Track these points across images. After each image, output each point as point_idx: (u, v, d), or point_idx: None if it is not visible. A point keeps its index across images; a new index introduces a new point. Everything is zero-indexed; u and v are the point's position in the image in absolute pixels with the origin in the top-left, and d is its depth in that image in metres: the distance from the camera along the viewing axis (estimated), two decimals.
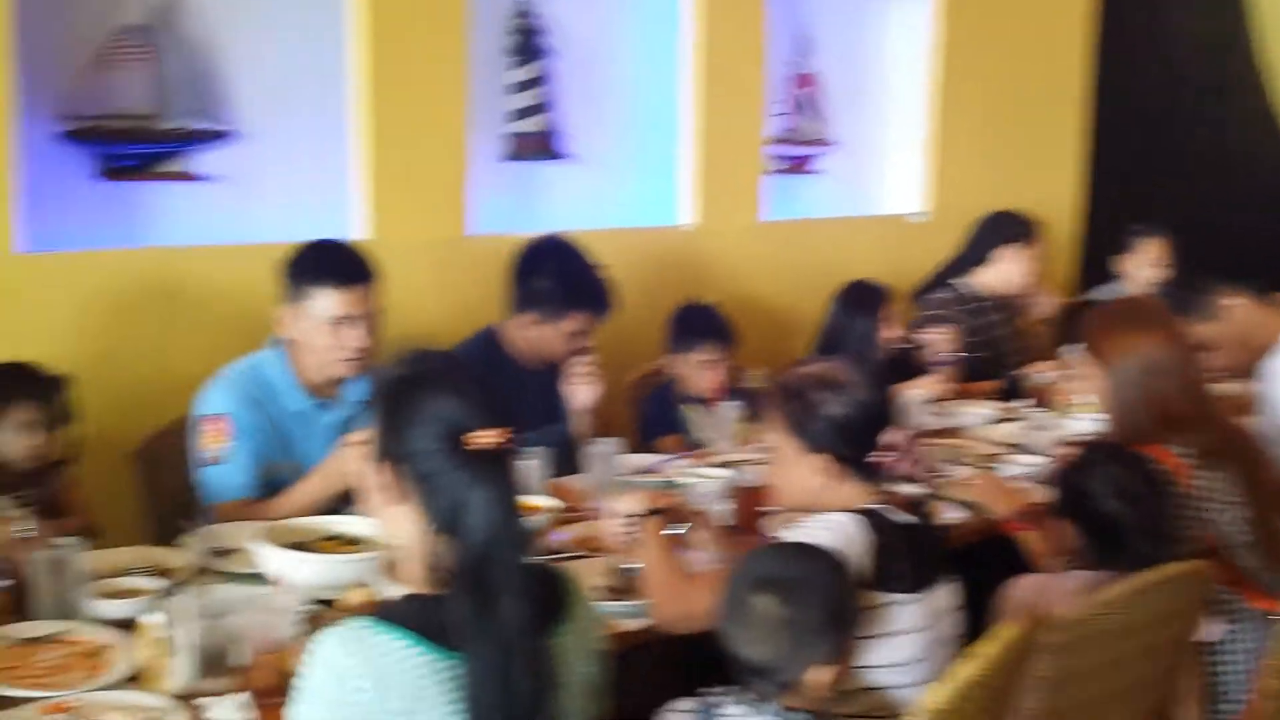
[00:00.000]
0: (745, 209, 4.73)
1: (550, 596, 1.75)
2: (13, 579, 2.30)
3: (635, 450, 3.49)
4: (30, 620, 2.24)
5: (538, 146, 4.40)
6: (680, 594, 2.27)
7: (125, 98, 3.56)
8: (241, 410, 2.94)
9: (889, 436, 2.26)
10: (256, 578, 2.44)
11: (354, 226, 3.82)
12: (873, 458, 2.26)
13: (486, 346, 3.54)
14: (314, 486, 2.81)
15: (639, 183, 4.60)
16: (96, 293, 3.36)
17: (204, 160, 3.67)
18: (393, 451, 1.73)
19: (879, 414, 2.29)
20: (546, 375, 3.52)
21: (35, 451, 2.74)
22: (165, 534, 3.12)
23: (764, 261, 4.75)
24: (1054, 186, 5.76)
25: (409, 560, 1.75)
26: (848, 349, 4.01)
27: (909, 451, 2.21)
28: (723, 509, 2.82)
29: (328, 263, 2.97)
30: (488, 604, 1.63)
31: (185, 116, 3.65)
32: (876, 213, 5.32)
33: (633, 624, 2.31)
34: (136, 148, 3.62)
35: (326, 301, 2.90)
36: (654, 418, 3.93)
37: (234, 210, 3.70)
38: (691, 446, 3.79)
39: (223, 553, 2.59)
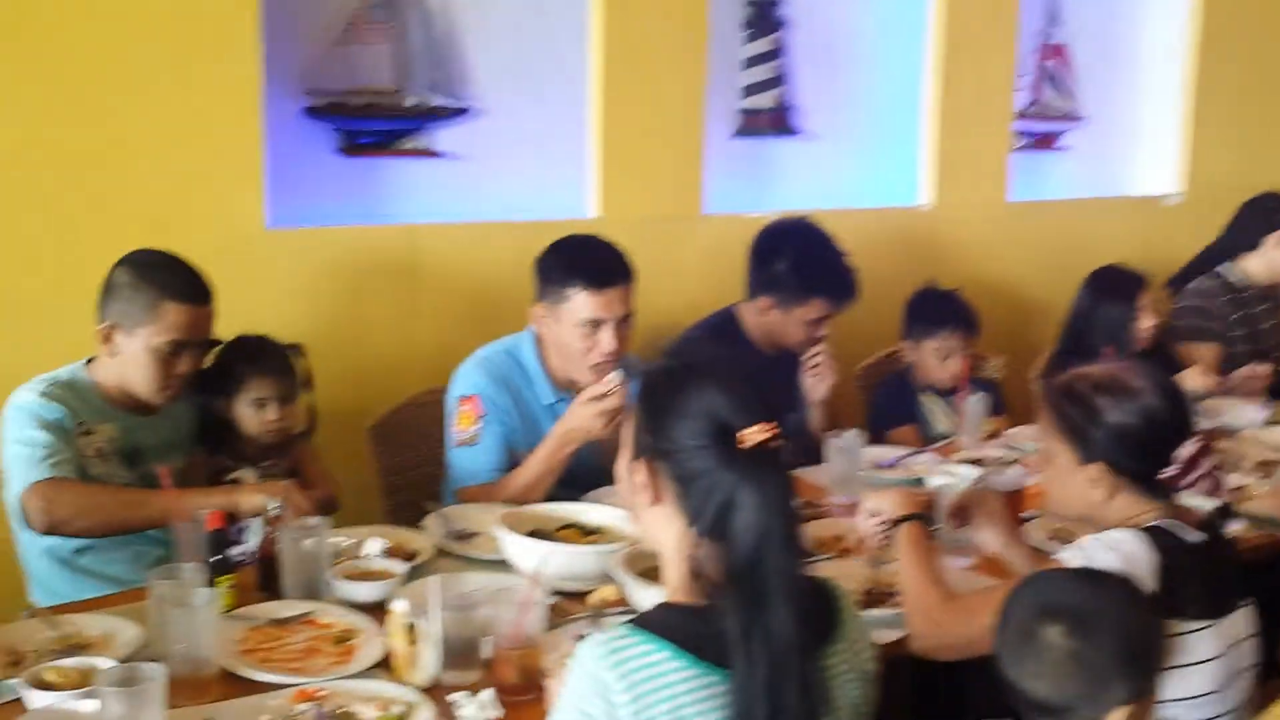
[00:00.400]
0: (990, 188, 4.48)
1: (821, 610, 1.63)
2: (263, 556, 2.31)
3: (867, 441, 3.33)
4: (278, 598, 2.25)
5: (772, 122, 4.26)
6: (943, 618, 2.09)
7: (367, 74, 3.58)
8: (493, 393, 2.90)
9: (1183, 450, 2.04)
10: (499, 564, 2.40)
11: (588, 204, 3.75)
12: (1163, 474, 2.05)
13: (723, 328, 3.43)
14: (547, 451, 2.75)
15: (876, 160, 4.41)
16: (338, 268, 3.39)
17: (443, 137, 3.66)
18: (654, 448, 1.63)
19: (1171, 426, 2.07)
20: (783, 362, 3.39)
21: (274, 424, 2.75)
22: (398, 512, 3.15)
23: (1008, 244, 4.50)
24: None
25: (668, 566, 1.65)
26: (1098, 339, 3.75)
27: (1201, 462, 1.98)
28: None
29: (584, 263, 2.84)
30: (756, 616, 1.52)
31: (426, 93, 3.65)
32: (1126, 193, 4.98)
33: (888, 635, 2.15)
34: (377, 124, 3.63)
35: (580, 304, 2.80)
36: (887, 408, 3.76)
37: (472, 187, 3.68)
38: (928, 440, 3.61)
39: (464, 536, 2.56)
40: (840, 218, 3.75)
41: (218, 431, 2.78)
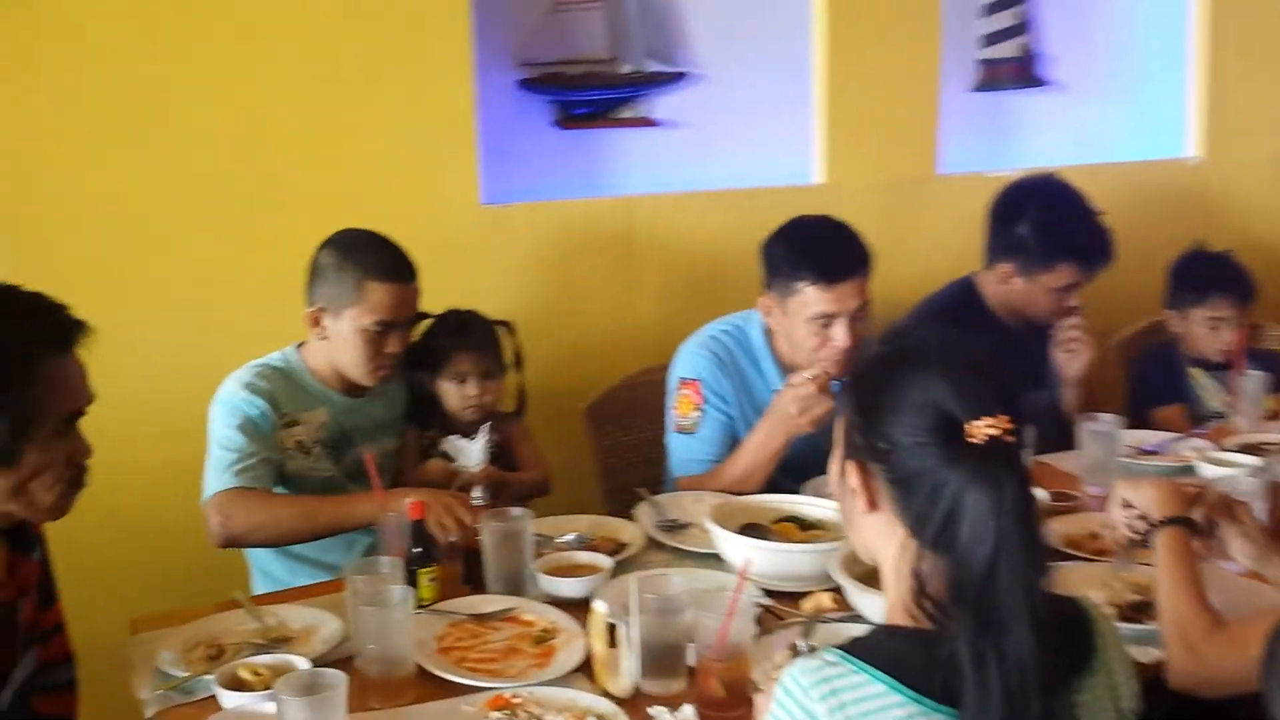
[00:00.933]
0: (1269, 138, 4.02)
1: (1072, 635, 1.40)
2: (466, 547, 2.22)
3: (1127, 423, 3.01)
4: (482, 592, 2.16)
5: (1015, 73, 3.92)
6: (1208, 649, 1.75)
7: (582, 43, 3.45)
8: (716, 378, 2.74)
9: None
10: (713, 558, 2.24)
11: (813, 169, 3.54)
12: None
13: (964, 298, 3.16)
14: (756, 441, 2.59)
15: (1136, 111, 4.02)
16: (553, 243, 3.28)
17: (661, 104, 3.51)
18: (867, 447, 1.42)
19: None
20: (1029, 336, 3.10)
21: (474, 399, 2.67)
22: (615, 497, 3.03)
23: None
24: None
25: (888, 582, 1.44)
26: None
27: None
28: (1258, 509, 2.31)
29: (814, 254, 2.61)
30: (990, 642, 1.30)
31: (642, 60, 3.50)
32: None
33: (1147, 655, 1.87)
34: (593, 94, 3.51)
35: (811, 298, 2.59)
36: (1151, 385, 3.41)
37: (691, 155, 3.52)
38: (1198, 420, 3.24)
39: (676, 527, 2.41)
40: (1094, 174, 3.43)
41: (425, 408, 2.72)
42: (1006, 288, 3.11)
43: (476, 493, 2.22)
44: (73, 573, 2.76)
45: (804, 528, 2.27)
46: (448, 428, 2.68)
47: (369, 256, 2.51)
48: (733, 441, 2.71)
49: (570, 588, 2.11)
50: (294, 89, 2.95)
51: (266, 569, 2.59)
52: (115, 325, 2.82)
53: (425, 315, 2.71)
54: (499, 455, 2.69)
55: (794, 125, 3.56)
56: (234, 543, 2.38)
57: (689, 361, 2.78)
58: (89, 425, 1.85)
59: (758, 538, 2.17)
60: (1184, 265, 3.46)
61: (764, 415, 2.59)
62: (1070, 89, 3.94)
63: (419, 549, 2.11)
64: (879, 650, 1.35)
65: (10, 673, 1.79)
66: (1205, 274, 3.38)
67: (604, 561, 2.18)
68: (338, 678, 1.61)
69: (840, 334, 2.58)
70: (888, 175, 3.55)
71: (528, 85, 3.42)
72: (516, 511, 2.19)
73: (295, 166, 2.97)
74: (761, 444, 2.57)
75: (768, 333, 2.77)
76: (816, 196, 3.45)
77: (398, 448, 2.70)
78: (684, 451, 2.75)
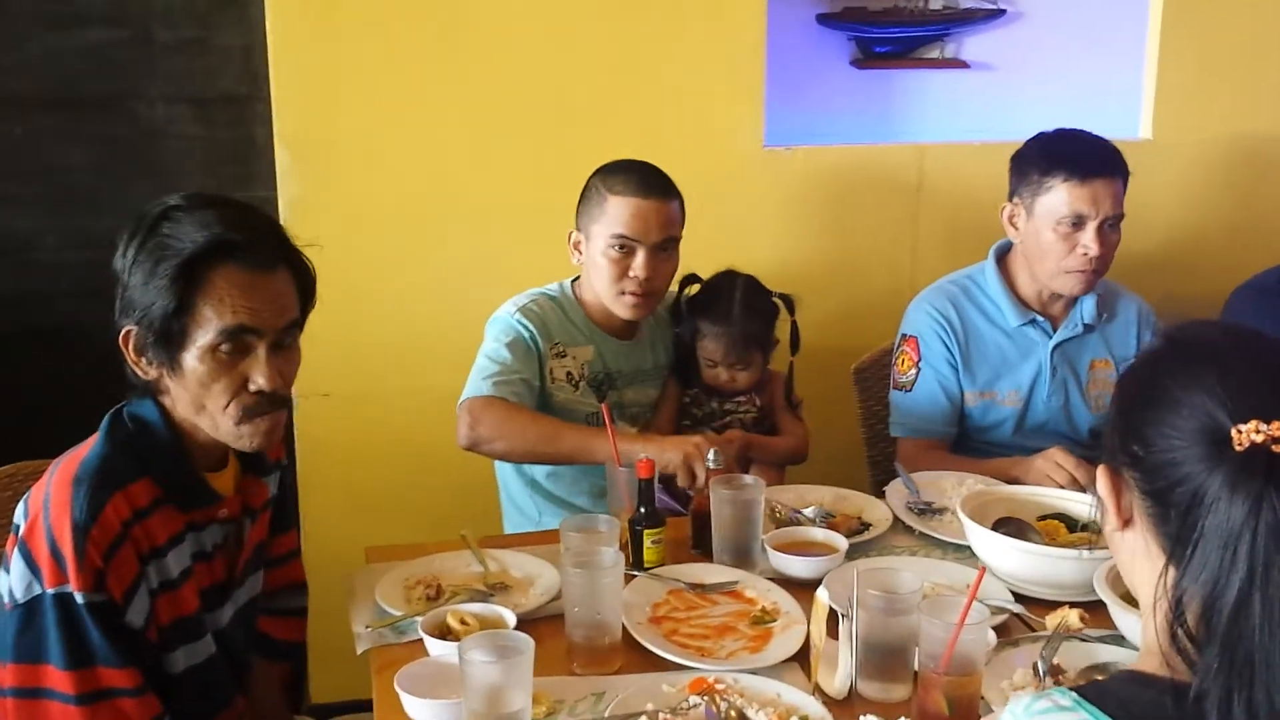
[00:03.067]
0: None
1: None
2: (696, 511, 2.11)
3: None
4: (709, 560, 2.04)
5: None
6: None
7: None
8: (935, 331, 2.59)
9: None
10: (964, 550, 2.04)
11: (1140, 122, 3.17)
12: None
13: None
14: (1001, 466, 2.39)
15: None
16: (836, 191, 3.09)
17: (973, 44, 3.23)
18: (1123, 450, 1.20)
19: None
20: None
21: (729, 384, 2.57)
22: (882, 465, 2.85)
23: None
24: None
25: (1143, 615, 1.22)
26: None
27: None
28: None
29: (1068, 150, 2.48)
30: (1240, 693, 1.07)
31: None
32: None
33: None
34: (898, 30, 3.28)
35: (1061, 197, 2.44)
36: None
37: (998, 102, 3.24)
38: None
39: (929, 510, 2.21)
40: None
41: (687, 365, 2.61)
42: None
43: (710, 454, 2.10)
44: (347, 498, 2.90)
45: (1071, 528, 2.02)
46: (709, 390, 2.58)
47: (619, 174, 2.45)
48: (951, 403, 2.56)
49: (799, 567, 1.96)
50: (589, 18, 2.87)
51: (519, 504, 2.58)
52: (407, 251, 2.92)
53: (696, 280, 2.63)
54: (760, 419, 2.57)
55: (1122, 71, 3.20)
56: (477, 447, 2.35)
57: (911, 316, 2.66)
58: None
59: (1015, 535, 1.94)
60: None
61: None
62: None
63: (646, 509, 2.01)
64: (1118, 698, 1.14)
65: (233, 592, 1.82)
66: None
67: (839, 542, 2.02)
68: (525, 644, 1.54)
69: (1090, 240, 2.42)
70: (1227, 131, 3.14)
71: (826, 20, 3.23)
72: (749, 479, 2.05)
73: (586, 99, 2.90)
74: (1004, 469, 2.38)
75: (1005, 267, 2.61)
76: (1143, 153, 3.09)
77: (658, 397, 2.62)
78: (901, 411, 2.64)
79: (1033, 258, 2.52)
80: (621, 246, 2.42)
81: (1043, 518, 2.06)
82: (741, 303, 2.55)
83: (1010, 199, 2.56)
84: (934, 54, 3.32)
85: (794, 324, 2.60)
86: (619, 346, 2.55)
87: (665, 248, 2.44)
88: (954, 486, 2.29)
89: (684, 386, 2.62)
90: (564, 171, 2.75)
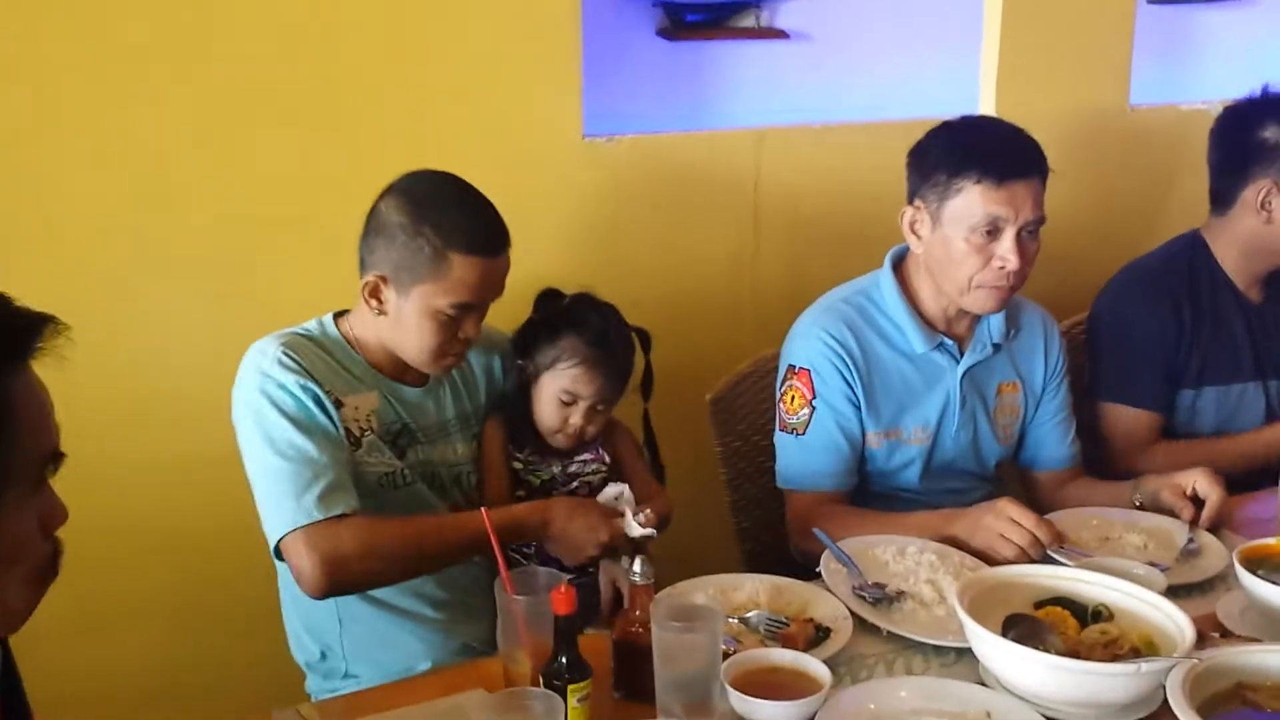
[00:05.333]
0: None
1: None
2: (619, 640, 1.61)
3: None
4: (644, 703, 1.54)
5: None
6: None
7: None
8: (831, 362, 2.16)
9: None
10: (954, 653, 1.64)
11: (981, 97, 2.86)
12: None
13: (1191, 254, 2.52)
14: (935, 522, 2.01)
15: None
16: (667, 186, 2.61)
17: (788, 11, 2.83)
18: None
19: None
20: (1272, 305, 2.50)
21: (578, 431, 2.07)
22: (742, 511, 2.43)
23: None
24: None
25: None
26: None
27: None
28: None
29: (983, 146, 2.10)
30: None
31: None
32: None
33: None
34: None
35: (974, 199, 2.06)
36: None
37: (827, 78, 2.86)
38: None
39: (884, 599, 1.79)
40: None
41: (518, 414, 2.09)
42: (1260, 225, 2.42)
43: (637, 567, 1.60)
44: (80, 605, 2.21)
45: (1080, 616, 1.65)
46: (543, 449, 2.07)
47: (453, 218, 1.89)
48: (852, 448, 2.16)
49: (781, 714, 1.50)
50: None
51: (316, 615, 1.99)
52: (120, 296, 2.23)
53: (558, 293, 2.12)
54: (609, 482, 2.07)
55: (956, 44, 2.88)
56: (341, 590, 1.80)
57: (800, 344, 2.21)
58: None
59: (1030, 638, 1.54)
60: None
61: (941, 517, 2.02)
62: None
63: (567, 656, 1.49)
64: None
65: None
66: None
67: (818, 670, 1.56)
68: None
69: (1008, 251, 2.05)
70: (1071, 106, 2.88)
71: None
72: (701, 601, 1.57)
73: (358, 81, 2.29)
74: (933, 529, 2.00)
75: (904, 281, 2.22)
76: None
77: (476, 455, 2.09)
78: (791, 460, 2.20)
79: (939, 271, 2.14)
80: (461, 313, 1.90)
81: (1041, 604, 1.68)
82: (617, 329, 2.07)
83: (910, 202, 2.16)
84: (749, 22, 2.90)
85: (648, 365, 2.13)
86: (411, 394, 2.01)
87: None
88: (895, 558, 1.89)
89: (509, 436, 2.09)
90: (329, 176, 2.18)
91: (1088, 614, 1.65)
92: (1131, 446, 2.43)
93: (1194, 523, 1.99)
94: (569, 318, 2.03)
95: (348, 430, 1.90)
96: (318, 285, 2.15)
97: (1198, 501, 2.03)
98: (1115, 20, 2.89)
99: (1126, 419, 2.44)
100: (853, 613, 1.73)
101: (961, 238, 2.08)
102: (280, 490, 1.78)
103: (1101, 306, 2.53)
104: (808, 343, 2.19)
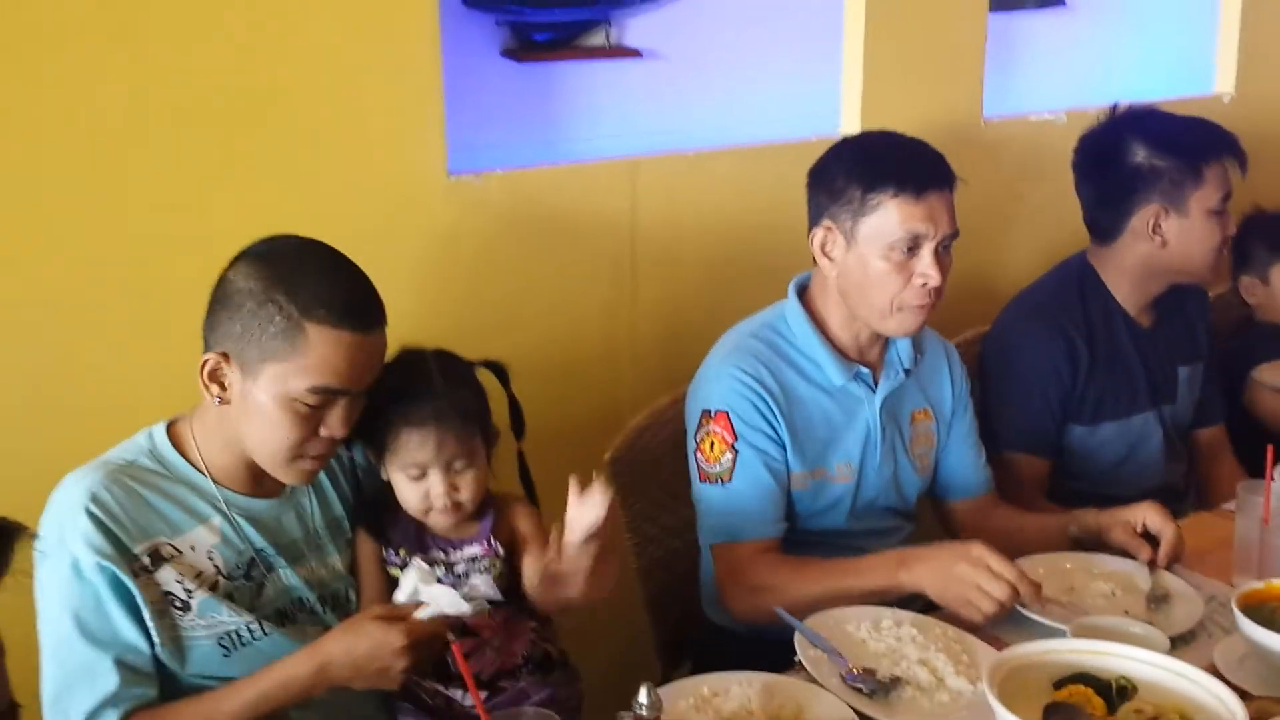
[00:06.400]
0: None
1: None
2: None
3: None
4: None
5: None
6: None
7: None
8: (751, 401, 2.00)
9: None
10: None
11: (843, 115, 2.75)
12: None
13: (1081, 283, 2.46)
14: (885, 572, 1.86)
15: (1158, 39, 3.40)
16: (550, 222, 2.38)
17: (640, 28, 2.63)
18: None
19: None
20: (1163, 326, 2.47)
21: (449, 500, 1.75)
22: (654, 577, 2.23)
23: None
24: None
25: None
26: None
27: None
28: None
29: (896, 160, 1.99)
30: None
31: None
32: None
33: None
34: (557, 13, 2.60)
35: (892, 216, 1.94)
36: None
37: (685, 98, 2.67)
38: None
39: (880, 689, 1.62)
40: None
41: (378, 507, 1.81)
42: (1149, 250, 2.36)
43: (643, 698, 1.37)
44: None
45: (1103, 693, 1.52)
46: (415, 540, 1.78)
47: (313, 283, 1.60)
48: (781, 490, 2.00)
49: None
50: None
51: None
52: None
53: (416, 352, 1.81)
54: (511, 572, 1.80)
55: (815, 59, 2.76)
56: None
57: (713, 386, 2.03)
58: None
59: None
60: (1251, 225, 2.91)
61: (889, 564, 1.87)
62: (1085, 10, 3.29)
63: None
64: None
65: None
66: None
67: None
68: None
69: (928, 267, 1.95)
70: (933, 120, 2.79)
71: (474, 1, 2.49)
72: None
73: (183, 141, 1.96)
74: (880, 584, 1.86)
75: (814, 309, 2.08)
76: None
77: (350, 567, 1.79)
78: (718, 511, 2.02)
79: (857, 294, 2.01)
80: (325, 402, 1.62)
81: (1061, 683, 1.54)
82: (440, 369, 1.77)
83: (818, 223, 2.02)
84: (598, 40, 2.69)
85: (512, 399, 1.86)
86: (265, 509, 1.71)
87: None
88: (871, 633, 1.73)
89: (382, 541, 1.79)
90: (169, 250, 1.86)
91: (1112, 691, 1.52)
92: (1031, 494, 2.35)
93: (1153, 563, 1.92)
94: (384, 383, 1.71)
95: (169, 596, 1.59)
96: (154, 381, 1.82)
97: (1149, 538, 1.95)
98: (969, 33, 2.84)
99: (1023, 466, 2.37)
100: (854, 709, 1.56)
101: (880, 256, 1.96)
102: (57, 677, 1.55)
103: (991, 344, 2.45)
104: (722, 384, 2.01)
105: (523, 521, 1.83)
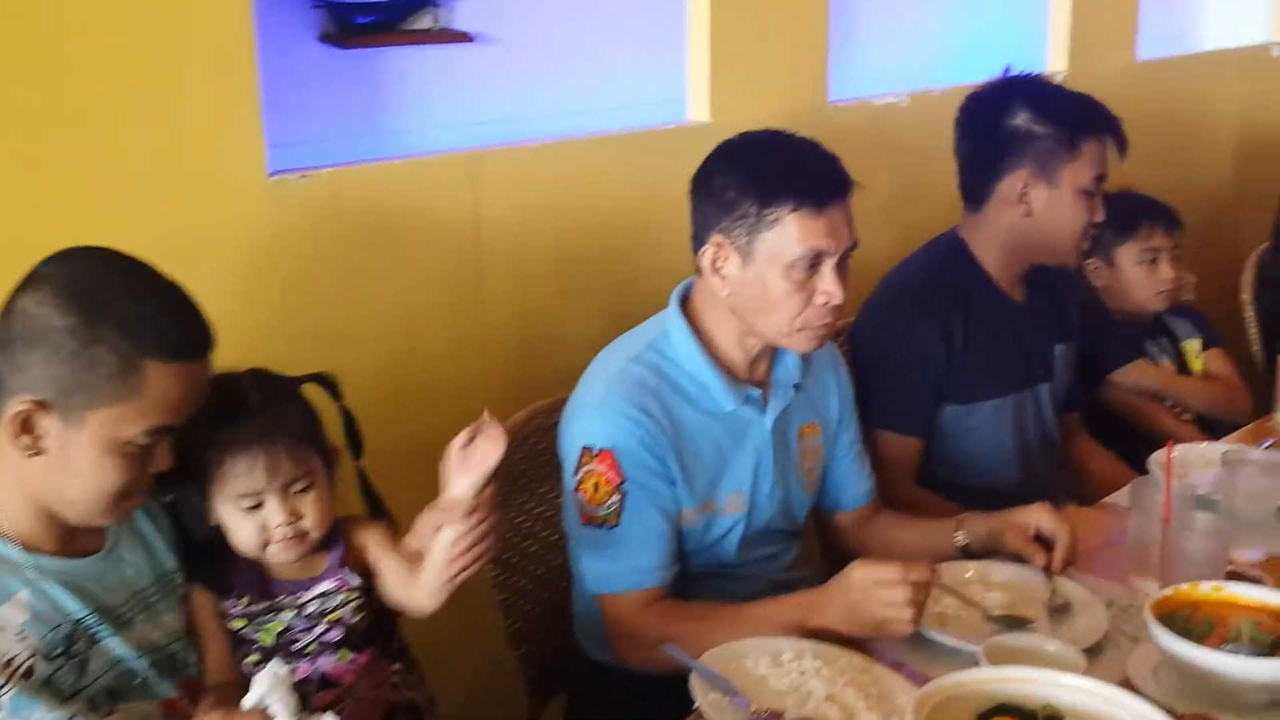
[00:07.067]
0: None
1: None
2: None
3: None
4: None
5: None
6: None
7: None
8: (637, 435, 1.82)
9: None
10: None
11: (690, 102, 2.60)
12: None
13: (954, 259, 2.36)
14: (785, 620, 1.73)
15: (984, 22, 3.37)
16: (387, 223, 2.17)
17: (469, 10, 2.43)
18: None
19: None
20: (1035, 302, 2.40)
21: (293, 532, 1.57)
22: (516, 609, 2.06)
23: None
24: None
25: None
26: None
27: None
28: None
29: (789, 171, 1.82)
30: None
31: None
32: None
33: None
34: None
35: (793, 232, 1.79)
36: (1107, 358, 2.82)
37: (522, 85, 2.48)
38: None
39: None
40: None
41: (211, 553, 1.60)
42: (1015, 217, 2.27)
43: None
44: None
45: None
46: (258, 585, 1.59)
47: (143, 314, 1.41)
48: (673, 530, 1.84)
49: None
50: None
51: None
52: None
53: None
54: (369, 603, 1.64)
55: (660, 46, 2.60)
56: None
57: (595, 420, 1.84)
58: None
59: None
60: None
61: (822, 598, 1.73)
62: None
63: None
64: None
65: None
66: (1128, 208, 2.85)
67: None
68: None
69: (831, 284, 1.81)
70: (781, 105, 2.67)
71: None
72: None
73: None
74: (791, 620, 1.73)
75: (700, 328, 1.91)
76: (701, 138, 2.54)
77: (189, 626, 1.58)
78: (604, 556, 1.84)
79: (753, 314, 1.85)
80: (158, 435, 1.43)
81: (984, 716, 1.42)
82: (257, 386, 1.59)
83: (707, 237, 1.85)
84: (425, 23, 2.47)
85: (345, 413, 1.68)
86: (83, 570, 1.49)
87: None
88: (771, 668, 1.59)
89: (222, 594, 1.60)
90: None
91: None
92: (899, 474, 2.26)
93: (1048, 568, 1.83)
94: (197, 417, 1.50)
95: None
96: None
97: (1042, 541, 1.87)
98: (812, 15, 2.73)
99: (893, 445, 2.27)
100: None
101: (780, 275, 1.80)
102: None
103: (863, 325, 2.35)
104: (606, 418, 1.82)
105: (373, 537, 1.66)
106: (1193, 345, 2.89)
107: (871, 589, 1.64)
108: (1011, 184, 2.26)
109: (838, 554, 2.12)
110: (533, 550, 2.09)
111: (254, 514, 1.55)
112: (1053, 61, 3.40)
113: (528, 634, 2.08)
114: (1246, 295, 3.13)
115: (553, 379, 2.15)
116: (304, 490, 1.56)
